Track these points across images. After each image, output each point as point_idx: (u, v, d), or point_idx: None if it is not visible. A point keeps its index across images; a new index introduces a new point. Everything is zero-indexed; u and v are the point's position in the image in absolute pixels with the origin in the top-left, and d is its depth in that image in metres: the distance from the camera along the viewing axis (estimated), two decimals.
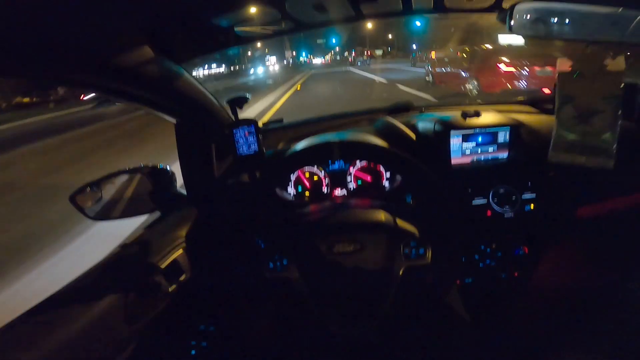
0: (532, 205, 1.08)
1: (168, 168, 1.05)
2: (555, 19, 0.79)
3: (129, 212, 1.04)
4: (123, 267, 0.89)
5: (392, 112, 1.42)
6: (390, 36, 53.46)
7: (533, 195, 1.08)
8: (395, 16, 0.96)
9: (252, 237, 0.88)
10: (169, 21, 0.74)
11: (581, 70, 0.92)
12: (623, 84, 0.89)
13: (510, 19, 0.78)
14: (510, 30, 0.79)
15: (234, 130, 1.10)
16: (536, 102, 1.34)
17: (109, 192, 1.01)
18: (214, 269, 1.06)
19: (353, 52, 49.74)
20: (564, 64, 0.94)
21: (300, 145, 1.00)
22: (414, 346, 0.91)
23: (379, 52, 46.55)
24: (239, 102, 1.11)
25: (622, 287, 0.88)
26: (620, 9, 0.75)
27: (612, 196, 1.04)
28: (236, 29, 0.89)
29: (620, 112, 0.90)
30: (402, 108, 1.45)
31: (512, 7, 0.77)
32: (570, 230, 1.07)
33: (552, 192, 1.07)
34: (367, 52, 44.07)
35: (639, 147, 1.01)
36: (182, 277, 1.02)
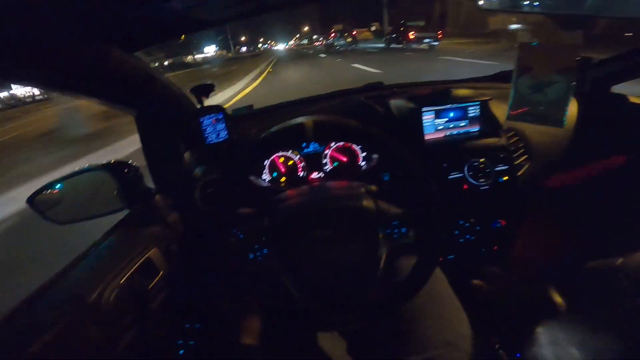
0: (505, 177, 1.09)
1: (131, 162, 1.00)
2: None
3: (95, 212, 0.99)
4: (96, 269, 0.86)
5: (363, 91, 1.40)
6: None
7: (506, 167, 1.09)
8: None
9: (228, 228, 0.85)
10: (119, 8, 0.68)
11: (540, 42, 0.95)
12: (578, 58, 0.92)
13: None
14: (479, 6, 0.77)
15: (200, 119, 1.06)
16: (504, 78, 1.35)
17: (72, 192, 0.96)
18: (192, 264, 1.03)
19: (332, 34, 33.87)
20: (524, 37, 0.95)
21: (273, 129, 0.97)
22: (402, 329, 0.91)
23: (370, 33, 31.78)
24: (205, 90, 1.06)
25: (594, 256, 0.91)
26: None
27: (575, 166, 1.08)
28: (192, 13, 0.83)
29: (573, 84, 0.93)
30: (374, 87, 1.42)
31: None
32: (541, 199, 1.10)
33: (522, 164, 1.09)
34: (354, 32, 30.00)
35: (592, 118, 1.04)
36: (159, 276, 0.99)
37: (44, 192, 0.89)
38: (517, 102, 1.01)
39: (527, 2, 0.79)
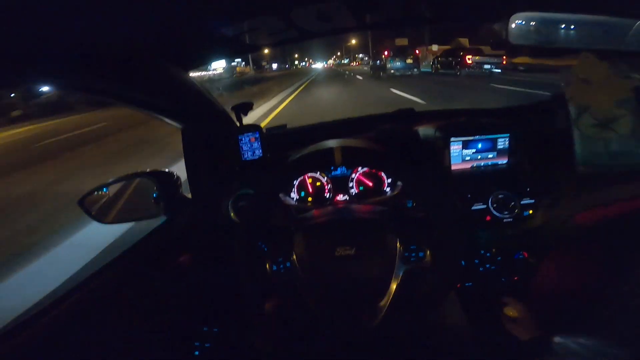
0: (530, 211, 1.09)
1: (174, 172, 1.08)
2: (551, 28, 0.81)
3: (134, 215, 1.06)
4: (129, 270, 0.91)
5: (394, 118, 1.44)
6: None
7: (532, 201, 1.09)
8: (397, 26, 0.99)
9: (255, 241, 0.90)
10: (176, 30, 0.77)
11: (586, 77, 0.93)
12: (632, 86, 0.90)
13: (508, 28, 0.80)
14: (508, 39, 0.81)
15: (239, 136, 1.13)
16: (536, 108, 1.36)
17: (116, 196, 1.03)
18: (218, 271, 1.07)
19: (384, 51, 23.45)
20: (567, 75, 0.95)
21: (304, 151, 1.03)
22: (413, 348, 0.92)
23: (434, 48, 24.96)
24: (244, 108, 1.14)
25: (620, 291, 0.89)
26: (615, 18, 0.77)
27: (610, 202, 1.06)
28: (242, 37, 0.92)
29: (637, 113, 0.91)
30: (405, 113, 1.47)
31: (510, 17, 0.79)
32: (569, 236, 1.08)
33: (551, 198, 1.09)
34: (417, 51, 22.06)
35: None
36: (187, 280, 1.03)
37: (93, 194, 0.97)
38: (585, 144, 0.97)
39: (561, 37, 0.81)
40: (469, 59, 15.23)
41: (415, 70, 18.84)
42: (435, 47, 26.12)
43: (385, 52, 20.23)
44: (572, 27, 0.82)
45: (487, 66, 14.43)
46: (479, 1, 0.86)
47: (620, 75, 0.91)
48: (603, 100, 0.93)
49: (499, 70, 14.04)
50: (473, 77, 14.03)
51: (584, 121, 0.97)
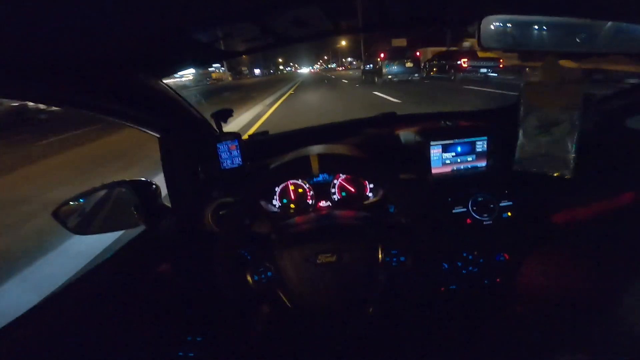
0: (509, 213, 1.10)
1: (152, 181, 1.06)
2: (522, 31, 0.82)
3: (113, 225, 1.04)
4: (108, 280, 0.90)
5: (376, 122, 1.45)
6: None
7: (510, 203, 1.10)
8: (372, 30, 1.00)
9: (236, 250, 0.89)
10: (151, 38, 0.76)
11: (545, 80, 0.96)
12: (581, 94, 0.93)
13: (479, 31, 0.81)
14: (480, 42, 0.82)
15: (218, 145, 1.12)
16: (512, 109, 1.37)
17: (92, 206, 1.02)
18: (199, 281, 1.06)
19: (380, 54, 17.66)
20: (529, 75, 0.98)
21: (285, 158, 1.02)
22: (400, 352, 0.92)
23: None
24: (223, 115, 1.13)
25: (599, 290, 0.90)
26: (586, 20, 0.78)
27: (583, 203, 1.07)
28: (217, 44, 0.92)
29: (578, 122, 0.93)
30: (387, 117, 1.47)
31: (480, 20, 0.80)
32: (547, 235, 1.09)
33: (528, 200, 1.10)
34: (418, 53, 17.07)
35: (600, 156, 1.05)
36: (168, 289, 1.02)
37: (68, 204, 0.96)
38: (524, 143, 1.01)
39: (532, 40, 0.82)
40: (464, 62, 14.16)
41: (416, 75, 16.31)
42: (466, 44, 20.38)
43: (382, 55, 16.97)
44: (543, 29, 0.83)
45: (483, 70, 13.78)
46: (449, 5, 0.87)
47: (573, 82, 0.94)
48: (553, 104, 0.96)
49: (496, 74, 13.62)
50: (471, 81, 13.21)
51: (529, 121, 1.00)
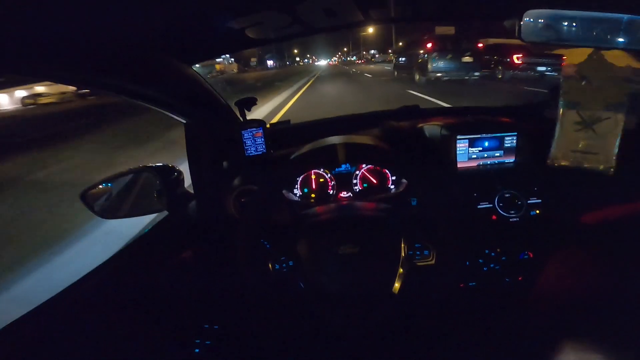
0: (537, 211, 1.08)
1: (176, 167, 1.07)
2: (565, 25, 0.79)
3: (137, 210, 1.05)
4: (130, 266, 0.91)
5: (398, 115, 1.43)
6: None
7: (538, 201, 1.08)
8: (405, 21, 0.97)
9: (257, 238, 0.89)
10: (181, 25, 0.76)
11: (588, 76, 0.93)
12: (628, 92, 0.90)
13: (520, 25, 0.78)
14: (520, 36, 0.79)
15: (242, 132, 1.11)
16: (539, 107, 1.34)
17: (118, 190, 1.02)
18: (219, 268, 1.07)
19: (428, 42, 12.59)
20: (569, 69, 0.95)
21: (307, 147, 1.01)
22: (416, 348, 0.92)
23: None
24: (247, 103, 1.12)
25: (626, 292, 0.89)
26: (629, 16, 0.75)
27: (615, 203, 1.05)
28: (247, 32, 0.90)
29: (622, 120, 0.91)
30: (411, 110, 1.45)
31: (522, 14, 0.77)
32: (575, 235, 1.07)
33: (557, 198, 1.07)
34: (479, 45, 13.16)
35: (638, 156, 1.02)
36: (188, 276, 1.03)
37: (95, 188, 0.96)
38: (563, 139, 0.99)
39: (576, 35, 0.79)
40: (517, 58, 11.20)
41: (476, 74, 12.03)
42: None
43: (429, 44, 12.71)
44: (585, 24, 0.80)
45: (541, 68, 10.90)
46: None
47: (620, 79, 0.91)
48: (596, 101, 0.93)
49: (556, 74, 10.03)
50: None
51: (569, 117, 0.97)
